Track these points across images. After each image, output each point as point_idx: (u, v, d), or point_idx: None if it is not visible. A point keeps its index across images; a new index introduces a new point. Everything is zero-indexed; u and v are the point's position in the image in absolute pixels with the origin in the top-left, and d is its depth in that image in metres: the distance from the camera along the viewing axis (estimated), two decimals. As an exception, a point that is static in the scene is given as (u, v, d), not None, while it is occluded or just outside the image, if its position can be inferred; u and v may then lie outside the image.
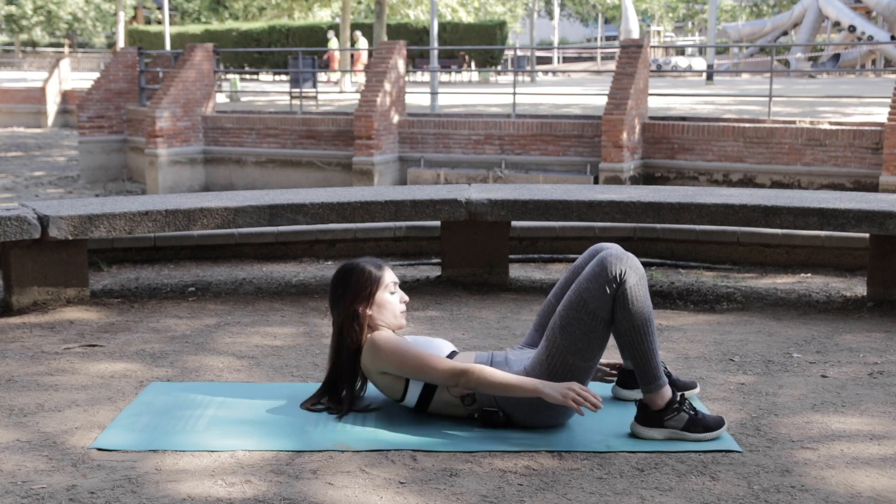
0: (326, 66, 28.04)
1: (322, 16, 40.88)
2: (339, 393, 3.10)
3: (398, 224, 6.04)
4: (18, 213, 4.41)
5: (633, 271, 2.88)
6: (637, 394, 3.12)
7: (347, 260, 3.20)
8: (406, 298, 3.16)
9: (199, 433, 2.92)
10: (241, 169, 16.42)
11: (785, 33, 35.49)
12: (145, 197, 5.25)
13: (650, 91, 14.71)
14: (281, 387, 3.40)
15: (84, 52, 55.75)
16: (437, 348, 3.05)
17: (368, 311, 3.05)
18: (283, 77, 34.22)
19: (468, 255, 5.16)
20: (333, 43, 28.18)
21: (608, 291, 2.86)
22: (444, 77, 33.35)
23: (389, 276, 3.11)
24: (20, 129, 28.88)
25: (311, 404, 3.13)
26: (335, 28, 32.95)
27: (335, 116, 16.11)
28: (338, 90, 24.60)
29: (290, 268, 5.75)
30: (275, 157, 16.11)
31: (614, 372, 3.33)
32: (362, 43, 27.93)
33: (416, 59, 30.87)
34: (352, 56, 26.87)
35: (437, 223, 5.46)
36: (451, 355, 3.05)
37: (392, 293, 3.10)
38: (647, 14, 55.43)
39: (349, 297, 3.05)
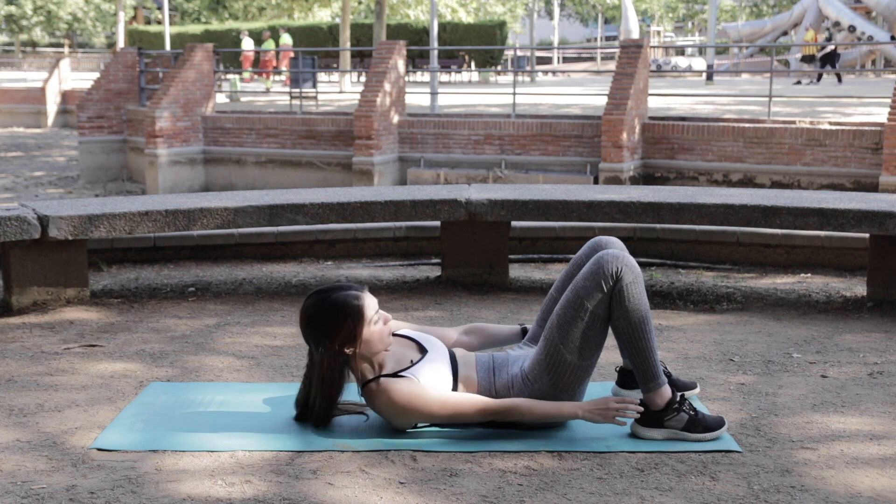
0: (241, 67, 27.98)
1: (322, 16, 40.88)
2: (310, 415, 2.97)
3: (398, 224, 6.04)
4: (18, 213, 4.41)
5: (629, 269, 2.89)
6: (637, 394, 3.12)
7: (321, 290, 2.90)
8: (388, 318, 2.95)
9: (199, 433, 2.92)
10: (241, 169, 16.43)
11: (785, 33, 35.50)
12: (145, 197, 5.25)
13: (650, 91, 14.72)
14: (281, 387, 3.39)
15: (84, 52, 55.75)
16: (438, 350, 3.03)
17: (358, 351, 2.86)
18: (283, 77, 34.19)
19: (468, 255, 5.15)
20: (247, 44, 28.05)
21: (604, 290, 2.87)
22: (444, 77, 33.35)
23: (371, 306, 2.87)
24: (20, 129, 28.90)
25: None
26: (249, 30, 32.81)
27: (335, 116, 16.11)
28: (263, 89, 24.69)
29: (290, 268, 5.75)
30: (275, 157, 16.11)
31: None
32: (286, 40, 27.79)
33: (416, 59, 30.86)
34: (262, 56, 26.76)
35: (437, 223, 5.46)
36: (451, 357, 3.03)
37: (376, 322, 2.88)
38: (647, 14, 55.42)
39: (335, 340, 2.83)
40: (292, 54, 25.65)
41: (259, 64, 28.18)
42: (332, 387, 2.89)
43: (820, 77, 25.70)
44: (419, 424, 2.93)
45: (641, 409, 2.85)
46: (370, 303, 2.89)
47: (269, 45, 27.71)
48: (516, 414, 2.88)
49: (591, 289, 2.88)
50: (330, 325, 2.84)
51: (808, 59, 26.95)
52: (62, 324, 4.31)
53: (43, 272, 4.60)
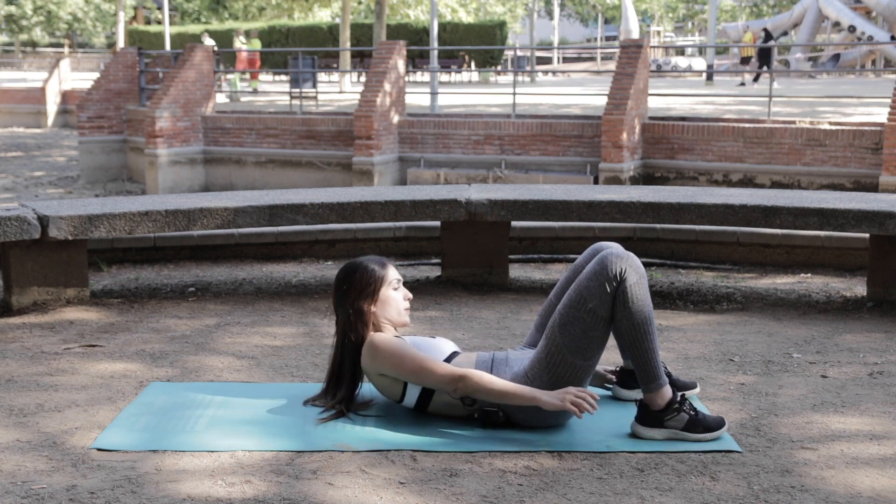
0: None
1: (322, 16, 40.88)
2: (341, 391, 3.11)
3: (398, 224, 6.04)
4: (18, 213, 4.41)
5: (633, 270, 2.88)
6: (637, 394, 3.12)
7: (351, 259, 3.18)
8: (409, 296, 3.18)
9: (199, 433, 2.92)
10: (241, 169, 16.42)
11: (785, 33, 35.49)
12: (145, 197, 5.25)
13: (650, 91, 14.72)
14: (281, 387, 3.40)
15: (84, 52, 55.74)
16: (439, 350, 3.04)
17: (373, 308, 3.07)
18: (283, 77, 34.20)
19: (468, 255, 5.15)
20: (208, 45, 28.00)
21: (608, 290, 2.86)
22: (444, 77, 33.35)
23: (393, 274, 3.13)
24: (20, 129, 28.89)
25: (314, 401, 3.13)
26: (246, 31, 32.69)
27: (335, 116, 16.11)
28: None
29: (290, 268, 5.75)
30: (275, 157, 16.11)
31: (612, 377, 3.31)
32: (254, 43, 27.72)
33: (416, 59, 30.87)
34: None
35: (437, 223, 5.46)
36: (453, 356, 3.04)
37: (395, 289, 3.12)
38: (647, 14, 55.42)
39: (353, 295, 3.05)
40: (245, 55, 25.66)
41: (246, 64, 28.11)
42: (355, 340, 3.04)
43: (758, 77, 25.90)
44: (385, 374, 3.00)
45: (596, 407, 2.82)
46: (392, 270, 3.15)
47: (256, 44, 27.66)
48: (476, 382, 2.87)
49: (594, 289, 2.87)
50: (353, 282, 3.08)
51: (745, 60, 27.26)
52: (62, 324, 4.31)
53: (43, 272, 4.60)
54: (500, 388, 2.86)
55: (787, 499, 2.48)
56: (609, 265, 2.87)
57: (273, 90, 25.99)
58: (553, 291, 3.22)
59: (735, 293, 5.02)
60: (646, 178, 13.92)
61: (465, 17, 37.79)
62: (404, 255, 6.10)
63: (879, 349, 3.92)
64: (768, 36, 26.97)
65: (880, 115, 14.18)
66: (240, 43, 26.30)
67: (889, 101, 12.78)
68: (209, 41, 27.91)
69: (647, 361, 2.89)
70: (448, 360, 3.02)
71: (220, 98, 21.13)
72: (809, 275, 5.52)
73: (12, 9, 48.54)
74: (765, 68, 24.95)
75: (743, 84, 25.82)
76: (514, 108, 15.38)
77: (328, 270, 5.67)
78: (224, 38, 38.15)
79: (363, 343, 3.06)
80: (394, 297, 3.11)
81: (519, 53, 33.45)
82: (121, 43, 39.63)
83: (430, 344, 3.07)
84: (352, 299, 3.06)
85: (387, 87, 14.93)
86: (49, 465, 2.69)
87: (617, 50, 15.75)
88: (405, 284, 5.11)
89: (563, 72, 40.28)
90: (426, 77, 29.28)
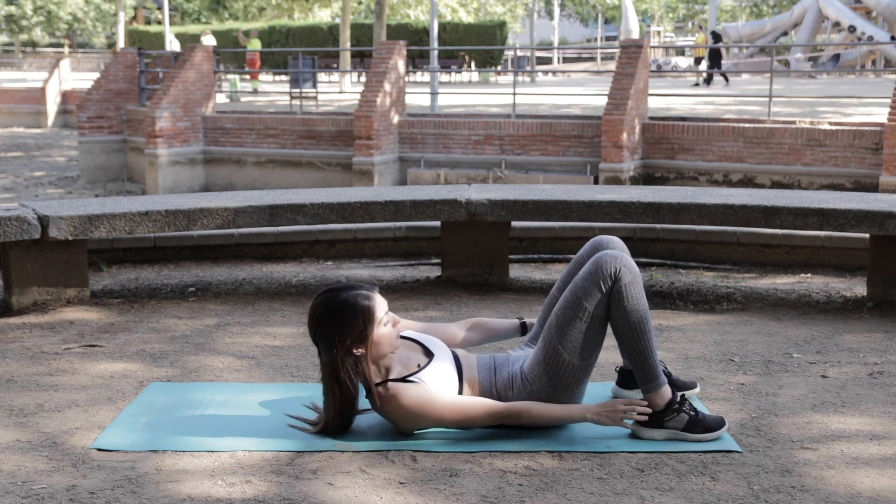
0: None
1: (322, 16, 40.87)
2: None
3: (398, 224, 6.04)
4: (18, 213, 4.41)
5: (627, 270, 2.89)
6: (637, 394, 3.12)
7: (331, 289, 2.87)
8: (398, 320, 2.95)
9: (199, 433, 2.92)
10: (241, 169, 16.43)
11: (785, 33, 35.47)
12: (145, 197, 5.25)
13: (650, 91, 14.72)
14: (281, 387, 3.40)
15: (84, 52, 55.73)
16: (441, 350, 3.03)
17: (367, 353, 2.83)
18: (283, 77, 34.21)
19: (468, 255, 5.15)
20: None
21: (603, 290, 2.88)
22: (444, 77, 33.34)
23: (382, 307, 2.85)
24: (20, 129, 28.89)
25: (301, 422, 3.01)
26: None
27: (335, 116, 16.11)
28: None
29: (290, 268, 5.75)
30: (275, 157, 16.11)
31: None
32: (254, 43, 27.71)
33: (416, 59, 30.87)
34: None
35: (437, 223, 5.46)
36: (455, 357, 3.03)
37: (385, 324, 2.86)
38: (647, 14, 55.42)
39: (345, 340, 2.79)
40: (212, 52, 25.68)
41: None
42: (347, 389, 2.84)
43: (710, 78, 26.06)
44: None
45: (649, 410, 2.85)
46: (380, 303, 2.86)
47: (256, 44, 27.64)
48: (525, 417, 2.89)
49: (589, 289, 2.89)
50: (340, 324, 2.79)
51: (698, 60, 27.49)
52: (62, 324, 4.31)
53: (43, 272, 4.60)
54: (551, 415, 2.89)
55: (787, 499, 2.48)
56: (603, 265, 2.89)
57: (273, 90, 25.99)
58: (555, 286, 3.23)
59: (735, 293, 5.02)
60: (646, 178, 13.92)
61: (465, 17, 37.77)
62: (404, 255, 6.10)
63: (879, 349, 3.92)
64: (717, 38, 27.12)
65: (880, 115, 14.18)
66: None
67: (889, 101, 12.79)
68: (175, 43, 27.87)
69: (645, 360, 2.90)
70: (457, 363, 3.00)
71: (220, 98, 21.13)
72: (809, 275, 5.52)
73: (12, 9, 48.53)
74: (716, 70, 25.18)
75: (697, 84, 26.05)
76: (514, 108, 15.38)
77: (328, 270, 5.67)
78: (225, 38, 38.15)
79: (356, 384, 2.85)
80: (386, 335, 2.84)
81: (519, 53, 33.45)
82: (121, 43, 39.61)
83: (430, 340, 3.04)
84: (342, 345, 2.79)
85: (387, 87, 14.93)
86: (49, 465, 2.69)
87: (617, 50, 15.75)
88: (405, 285, 5.15)
89: (563, 72, 40.28)
90: (426, 77, 29.27)
